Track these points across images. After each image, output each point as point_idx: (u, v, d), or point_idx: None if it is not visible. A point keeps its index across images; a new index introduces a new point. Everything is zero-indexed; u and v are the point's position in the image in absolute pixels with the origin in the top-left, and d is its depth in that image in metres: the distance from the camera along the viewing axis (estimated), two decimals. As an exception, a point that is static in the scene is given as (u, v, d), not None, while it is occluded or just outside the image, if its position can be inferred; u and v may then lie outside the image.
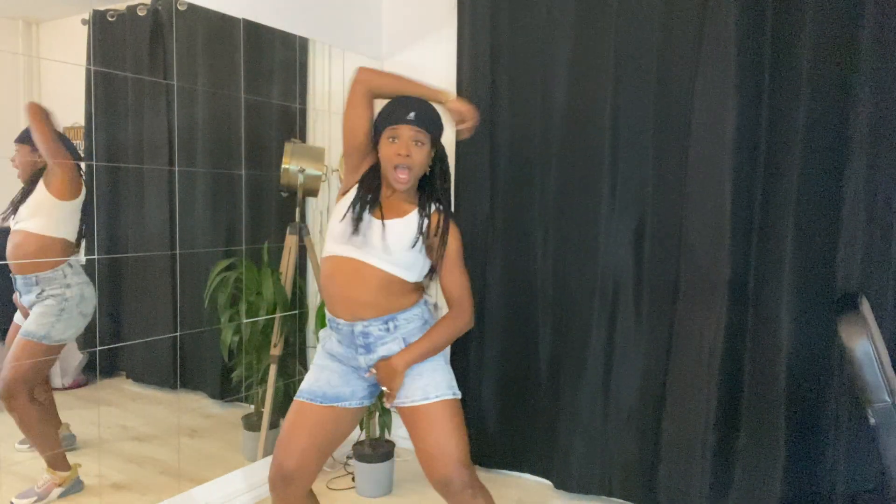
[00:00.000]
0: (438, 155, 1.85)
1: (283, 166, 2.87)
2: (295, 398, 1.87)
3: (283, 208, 3.16)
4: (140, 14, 3.35)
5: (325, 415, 1.82)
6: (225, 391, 3.40)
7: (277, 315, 2.91)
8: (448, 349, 1.89)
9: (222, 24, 3.17)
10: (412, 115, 1.74)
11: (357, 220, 1.75)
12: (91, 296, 2.66)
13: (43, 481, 2.55)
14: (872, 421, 1.50)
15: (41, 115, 2.53)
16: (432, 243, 1.79)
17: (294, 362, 3.27)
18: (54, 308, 2.54)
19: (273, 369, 2.90)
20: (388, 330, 1.78)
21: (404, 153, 1.74)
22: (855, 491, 2.20)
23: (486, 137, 2.81)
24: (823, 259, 2.22)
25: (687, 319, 2.43)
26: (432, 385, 1.80)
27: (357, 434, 3.09)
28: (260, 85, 3.28)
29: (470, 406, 2.82)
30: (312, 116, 3.36)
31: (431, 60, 3.06)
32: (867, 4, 2.10)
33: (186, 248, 3.31)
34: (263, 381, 2.99)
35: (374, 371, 1.81)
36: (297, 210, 2.94)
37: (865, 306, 1.88)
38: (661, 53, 2.45)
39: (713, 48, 2.31)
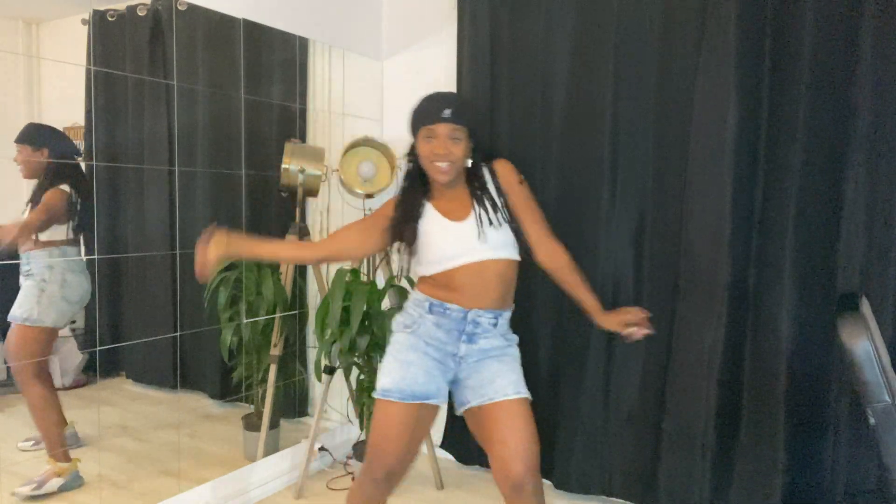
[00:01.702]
0: (478, 146, 1.87)
1: (283, 166, 2.87)
2: (381, 397, 1.82)
3: (283, 208, 3.16)
4: (140, 14, 3.35)
5: (415, 412, 1.81)
6: (225, 391, 3.40)
7: (277, 315, 2.91)
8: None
9: (222, 24, 3.17)
10: (447, 112, 1.74)
11: (409, 222, 1.83)
12: (76, 283, 2.71)
13: (43, 470, 2.58)
14: (872, 421, 1.50)
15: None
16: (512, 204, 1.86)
17: (294, 362, 3.28)
18: (34, 289, 2.63)
19: (273, 369, 2.90)
20: (494, 325, 1.83)
21: (442, 152, 1.76)
22: (855, 491, 2.20)
23: (486, 137, 2.81)
24: (823, 259, 2.22)
25: (687, 319, 2.43)
26: (522, 382, 1.83)
27: (357, 434, 3.09)
28: (260, 85, 3.28)
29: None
30: (312, 116, 3.36)
31: (431, 60, 3.06)
32: (867, 4, 2.10)
33: (186, 248, 3.30)
34: (263, 381, 2.99)
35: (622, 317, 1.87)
36: (297, 210, 2.94)
37: (865, 306, 1.88)
38: (661, 53, 2.45)
39: (713, 48, 2.31)
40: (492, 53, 2.80)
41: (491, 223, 1.80)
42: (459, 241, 1.80)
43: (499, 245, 1.81)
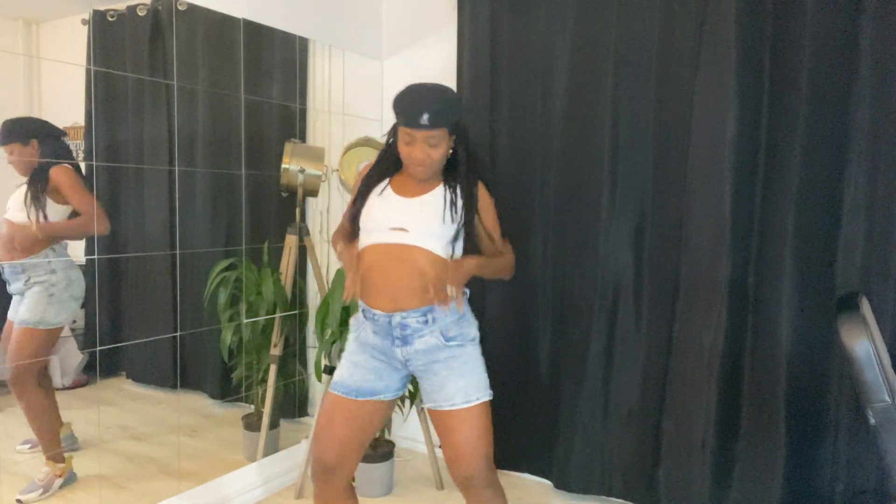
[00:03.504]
0: (460, 138, 1.82)
1: (283, 166, 2.87)
2: (329, 390, 1.87)
3: (283, 208, 3.16)
4: (140, 14, 3.35)
5: (359, 408, 1.83)
6: (225, 391, 3.40)
7: (277, 315, 2.91)
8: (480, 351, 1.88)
9: (222, 24, 3.17)
10: (425, 118, 1.70)
11: (365, 193, 1.80)
12: (78, 278, 2.70)
13: (44, 474, 2.58)
14: (872, 421, 1.50)
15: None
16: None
17: (294, 362, 3.28)
18: (43, 294, 2.59)
19: (273, 369, 2.90)
20: (426, 322, 1.77)
21: (420, 157, 1.75)
22: (855, 491, 2.20)
23: (487, 137, 2.81)
24: (823, 259, 2.22)
25: (687, 319, 2.43)
26: (473, 386, 1.80)
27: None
28: (260, 85, 3.28)
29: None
30: (312, 116, 3.36)
31: (431, 60, 3.06)
32: (867, 4, 2.10)
33: (186, 248, 3.31)
34: (263, 381, 2.99)
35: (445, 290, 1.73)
36: (297, 210, 2.94)
37: (865, 306, 1.88)
38: (661, 53, 2.45)
39: (713, 48, 2.31)
40: (492, 53, 2.80)
41: (448, 211, 1.78)
42: (388, 212, 1.77)
43: (428, 234, 1.75)
